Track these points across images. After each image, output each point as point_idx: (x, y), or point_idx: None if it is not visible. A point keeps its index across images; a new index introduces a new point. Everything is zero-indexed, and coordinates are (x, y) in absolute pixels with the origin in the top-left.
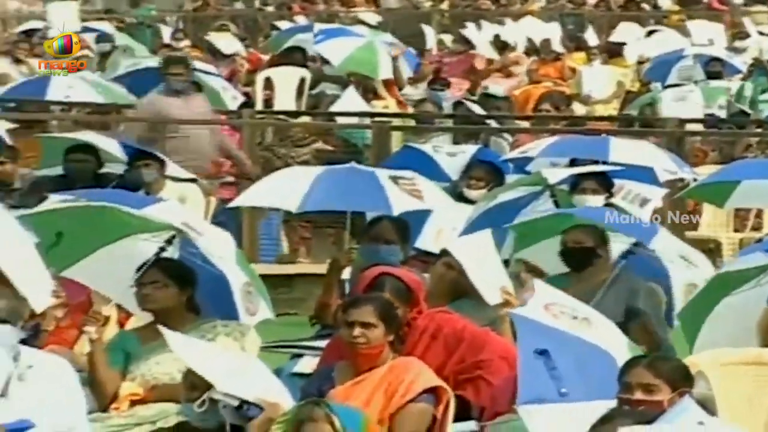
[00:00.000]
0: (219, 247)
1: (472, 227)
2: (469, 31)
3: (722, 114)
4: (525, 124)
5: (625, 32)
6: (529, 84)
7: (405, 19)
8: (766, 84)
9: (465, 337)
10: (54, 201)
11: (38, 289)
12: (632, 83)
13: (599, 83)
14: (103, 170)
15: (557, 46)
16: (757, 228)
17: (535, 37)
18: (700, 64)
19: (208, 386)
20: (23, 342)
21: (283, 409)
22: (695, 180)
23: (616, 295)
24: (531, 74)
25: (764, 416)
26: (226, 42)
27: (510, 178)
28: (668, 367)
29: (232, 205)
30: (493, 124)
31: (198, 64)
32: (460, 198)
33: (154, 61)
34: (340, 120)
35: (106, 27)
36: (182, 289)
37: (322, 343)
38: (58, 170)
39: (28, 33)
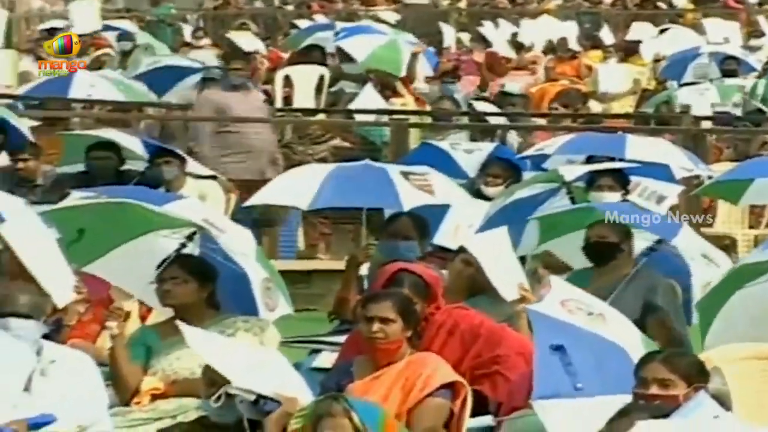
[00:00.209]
0: (239, 244)
1: (489, 224)
2: (487, 29)
3: (737, 112)
4: (541, 121)
5: (640, 31)
6: (546, 82)
7: (423, 18)
8: None
9: (482, 333)
10: (76, 198)
11: (60, 285)
12: (648, 81)
13: (615, 81)
14: (125, 167)
15: (574, 45)
16: None
17: (552, 35)
18: (715, 62)
19: (226, 382)
20: (46, 337)
21: (301, 403)
22: (710, 177)
23: (635, 290)
24: (548, 72)
25: None
26: (247, 40)
27: (527, 175)
28: (683, 362)
29: (247, 204)
30: (500, 121)
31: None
32: (478, 195)
33: (174, 59)
34: (359, 117)
35: (128, 25)
36: (202, 285)
37: (341, 339)
38: (79, 167)
39: (50, 31)
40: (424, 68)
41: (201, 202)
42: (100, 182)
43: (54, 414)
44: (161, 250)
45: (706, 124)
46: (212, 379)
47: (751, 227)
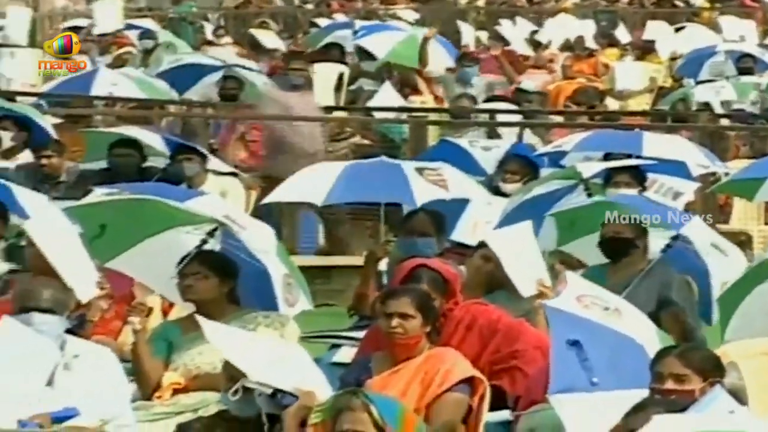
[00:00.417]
0: (259, 240)
1: (507, 220)
2: (504, 27)
3: (754, 110)
4: (558, 118)
5: (655, 31)
6: (563, 80)
7: (442, 16)
8: None
9: (500, 328)
10: (98, 194)
11: (84, 280)
12: (664, 79)
13: (632, 79)
14: (146, 164)
15: (591, 43)
16: None
17: (569, 34)
18: (731, 60)
19: (244, 376)
20: (69, 332)
21: (318, 397)
22: (727, 174)
23: (649, 285)
24: (565, 70)
25: None
26: (268, 38)
27: (544, 172)
28: (699, 357)
29: (264, 202)
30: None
31: (239, 60)
32: (496, 191)
33: (195, 57)
34: (378, 115)
35: (150, 24)
36: (223, 281)
37: (360, 334)
38: (102, 164)
39: (73, 30)
40: (443, 58)
41: (222, 198)
42: (123, 179)
43: (77, 408)
44: (183, 246)
45: (724, 122)
46: (232, 374)
47: (766, 223)
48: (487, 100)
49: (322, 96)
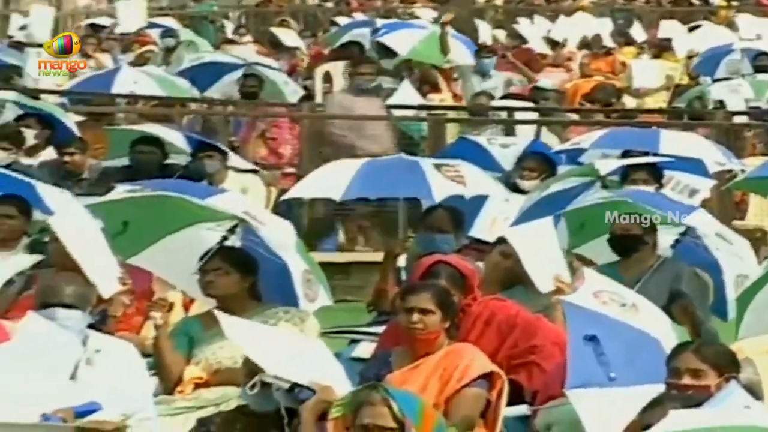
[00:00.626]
0: (280, 236)
1: (525, 217)
2: (522, 26)
3: None
4: (575, 116)
5: (668, 30)
6: (581, 78)
7: (460, 15)
8: None
9: (518, 323)
10: (120, 191)
11: (106, 276)
12: (681, 77)
13: (649, 77)
14: (168, 161)
15: (608, 41)
16: None
17: (587, 32)
18: (747, 59)
19: (262, 371)
20: (91, 327)
21: (337, 391)
22: (743, 171)
23: (659, 280)
24: (582, 68)
25: None
26: (289, 37)
27: (562, 169)
28: (715, 353)
29: (284, 198)
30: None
31: (260, 59)
32: (514, 188)
33: (216, 56)
34: (397, 112)
35: (171, 23)
36: (244, 277)
37: (379, 329)
38: (124, 161)
39: (95, 28)
40: (462, 52)
41: (242, 195)
42: (144, 176)
43: (99, 402)
44: (204, 242)
45: (740, 119)
46: (251, 369)
47: None
48: (503, 98)
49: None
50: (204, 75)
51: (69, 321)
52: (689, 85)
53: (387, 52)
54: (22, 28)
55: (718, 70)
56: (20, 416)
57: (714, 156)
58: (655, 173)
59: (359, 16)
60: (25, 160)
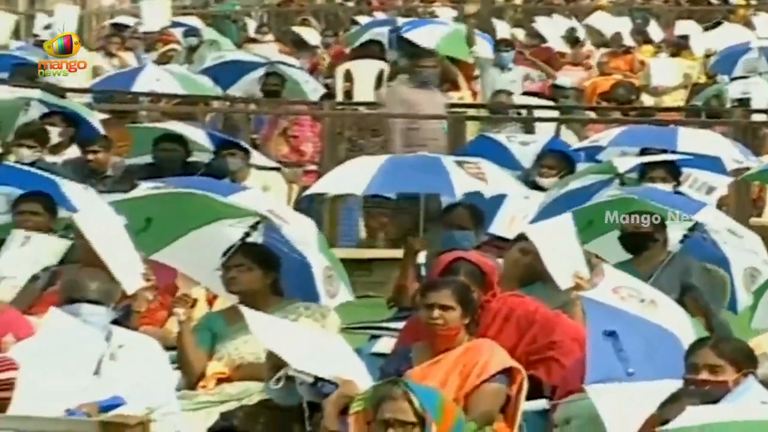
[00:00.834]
0: (301, 233)
1: (543, 214)
2: (541, 25)
3: None
4: (594, 114)
5: (684, 29)
6: (600, 76)
7: (480, 14)
8: None
9: (537, 319)
10: (144, 188)
11: (130, 272)
12: (699, 76)
13: (667, 75)
14: (191, 159)
15: (627, 40)
16: None
17: (605, 30)
18: (765, 57)
19: (287, 365)
20: (115, 322)
21: (358, 386)
22: None
23: (670, 275)
24: (601, 66)
25: None
26: (311, 35)
27: (581, 167)
28: (733, 349)
29: (306, 194)
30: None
31: (281, 57)
32: (533, 186)
33: (238, 54)
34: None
35: (194, 22)
36: (266, 273)
37: (399, 325)
38: (147, 159)
39: (119, 27)
40: (483, 46)
41: (265, 192)
42: (168, 173)
43: (123, 397)
44: (226, 239)
45: (757, 117)
46: (275, 363)
47: None
48: (523, 95)
49: (363, 92)
50: (226, 73)
51: (93, 317)
52: (707, 84)
53: (412, 47)
54: (47, 27)
55: (735, 69)
56: (45, 411)
57: (732, 154)
58: (673, 171)
59: (380, 15)
60: (50, 158)
